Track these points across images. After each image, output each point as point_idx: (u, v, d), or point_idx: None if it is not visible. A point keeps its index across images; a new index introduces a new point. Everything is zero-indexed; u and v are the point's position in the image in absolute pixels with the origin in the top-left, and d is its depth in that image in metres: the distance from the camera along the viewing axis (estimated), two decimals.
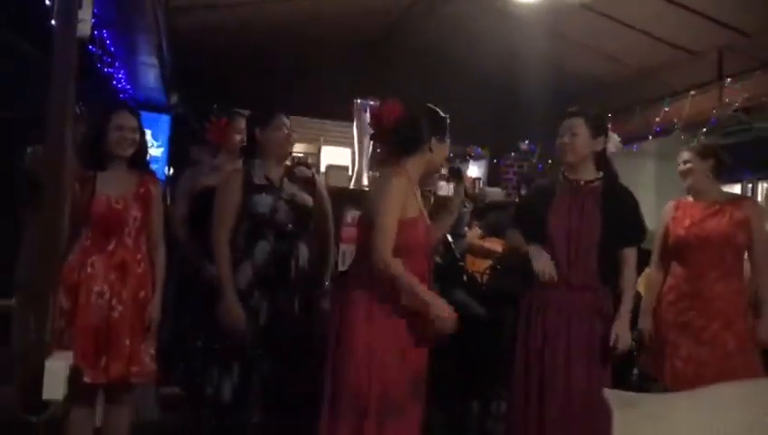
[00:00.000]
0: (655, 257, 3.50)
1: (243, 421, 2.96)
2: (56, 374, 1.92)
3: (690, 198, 3.45)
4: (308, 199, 3.17)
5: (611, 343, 2.88)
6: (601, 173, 3.03)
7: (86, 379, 2.73)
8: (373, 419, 2.54)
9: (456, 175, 2.91)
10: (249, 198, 3.02)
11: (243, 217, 3.02)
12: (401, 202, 2.60)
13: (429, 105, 2.81)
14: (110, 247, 2.92)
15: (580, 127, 2.97)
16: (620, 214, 2.95)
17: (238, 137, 3.66)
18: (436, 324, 2.58)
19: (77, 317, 2.82)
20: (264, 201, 3.02)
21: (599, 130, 2.99)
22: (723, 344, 3.23)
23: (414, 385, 2.67)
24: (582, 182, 3.01)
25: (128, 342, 2.89)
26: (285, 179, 3.15)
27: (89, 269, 2.87)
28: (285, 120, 3.16)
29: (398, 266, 2.56)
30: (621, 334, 2.89)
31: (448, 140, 2.80)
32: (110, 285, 2.89)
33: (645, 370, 3.46)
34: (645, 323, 3.41)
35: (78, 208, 2.86)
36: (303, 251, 3.12)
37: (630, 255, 2.98)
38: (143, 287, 2.98)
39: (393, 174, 2.66)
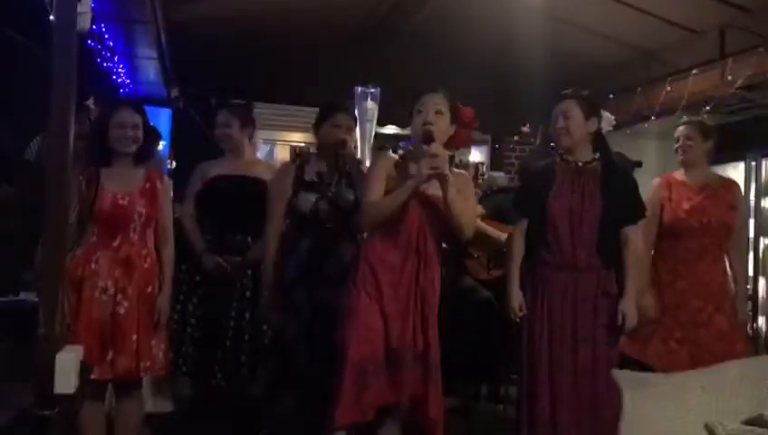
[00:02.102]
0: (645, 235, 3.38)
1: (274, 413, 3.02)
2: (67, 368, 1.91)
3: (678, 176, 3.47)
4: (350, 197, 3.09)
5: (619, 322, 2.89)
6: (598, 154, 3.04)
7: (92, 375, 2.72)
8: (353, 376, 2.63)
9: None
10: (296, 194, 3.04)
11: (288, 213, 3.07)
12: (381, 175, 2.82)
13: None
14: (115, 243, 2.93)
15: (573, 109, 2.98)
16: (620, 193, 2.98)
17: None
18: (417, 180, 2.68)
19: (81, 313, 2.83)
20: (307, 200, 3.03)
21: (591, 110, 3.00)
22: (717, 325, 3.29)
23: (395, 353, 2.72)
24: (581, 163, 3.02)
25: (135, 337, 2.89)
26: (335, 176, 3.11)
27: (93, 265, 2.89)
28: (345, 117, 3.13)
29: (372, 203, 2.75)
30: (629, 312, 2.90)
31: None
32: (115, 280, 2.90)
33: (626, 352, 3.43)
34: (647, 299, 3.33)
35: (83, 205, 2.88)
36: (345, 248, 3.07)
37: (632, 233, 2.99)
38: (150, 283, 2.99)
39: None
